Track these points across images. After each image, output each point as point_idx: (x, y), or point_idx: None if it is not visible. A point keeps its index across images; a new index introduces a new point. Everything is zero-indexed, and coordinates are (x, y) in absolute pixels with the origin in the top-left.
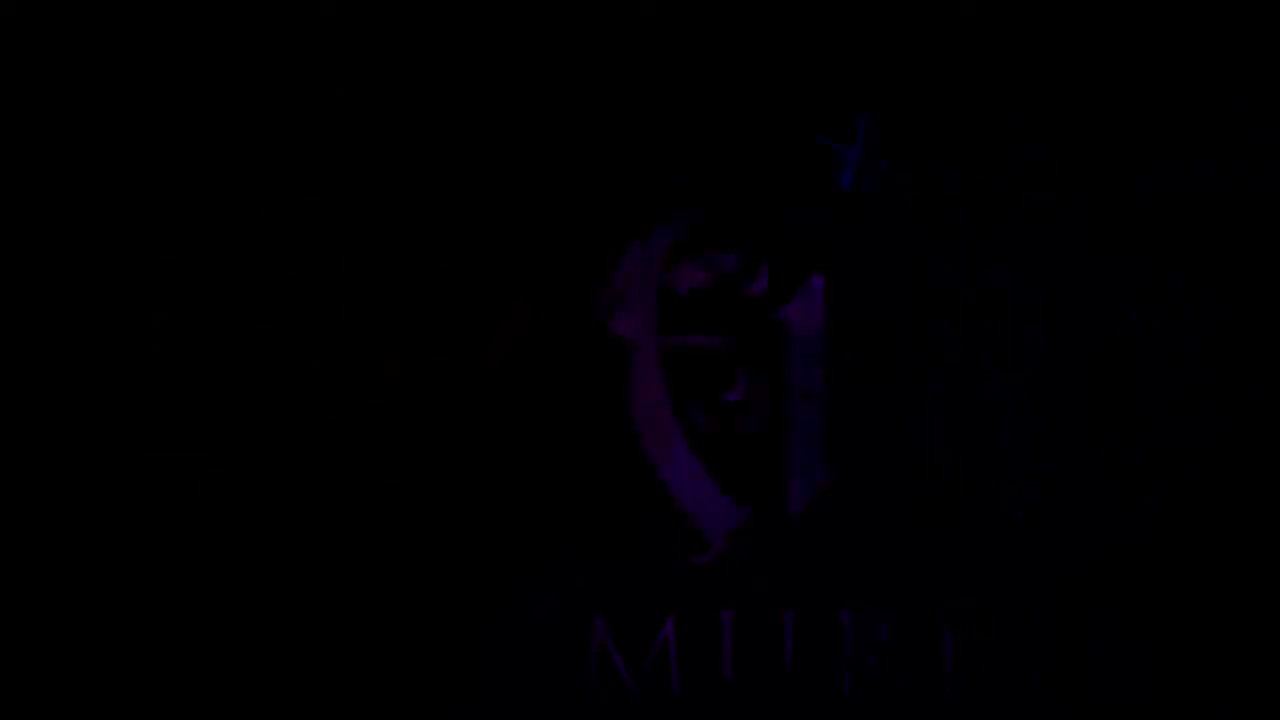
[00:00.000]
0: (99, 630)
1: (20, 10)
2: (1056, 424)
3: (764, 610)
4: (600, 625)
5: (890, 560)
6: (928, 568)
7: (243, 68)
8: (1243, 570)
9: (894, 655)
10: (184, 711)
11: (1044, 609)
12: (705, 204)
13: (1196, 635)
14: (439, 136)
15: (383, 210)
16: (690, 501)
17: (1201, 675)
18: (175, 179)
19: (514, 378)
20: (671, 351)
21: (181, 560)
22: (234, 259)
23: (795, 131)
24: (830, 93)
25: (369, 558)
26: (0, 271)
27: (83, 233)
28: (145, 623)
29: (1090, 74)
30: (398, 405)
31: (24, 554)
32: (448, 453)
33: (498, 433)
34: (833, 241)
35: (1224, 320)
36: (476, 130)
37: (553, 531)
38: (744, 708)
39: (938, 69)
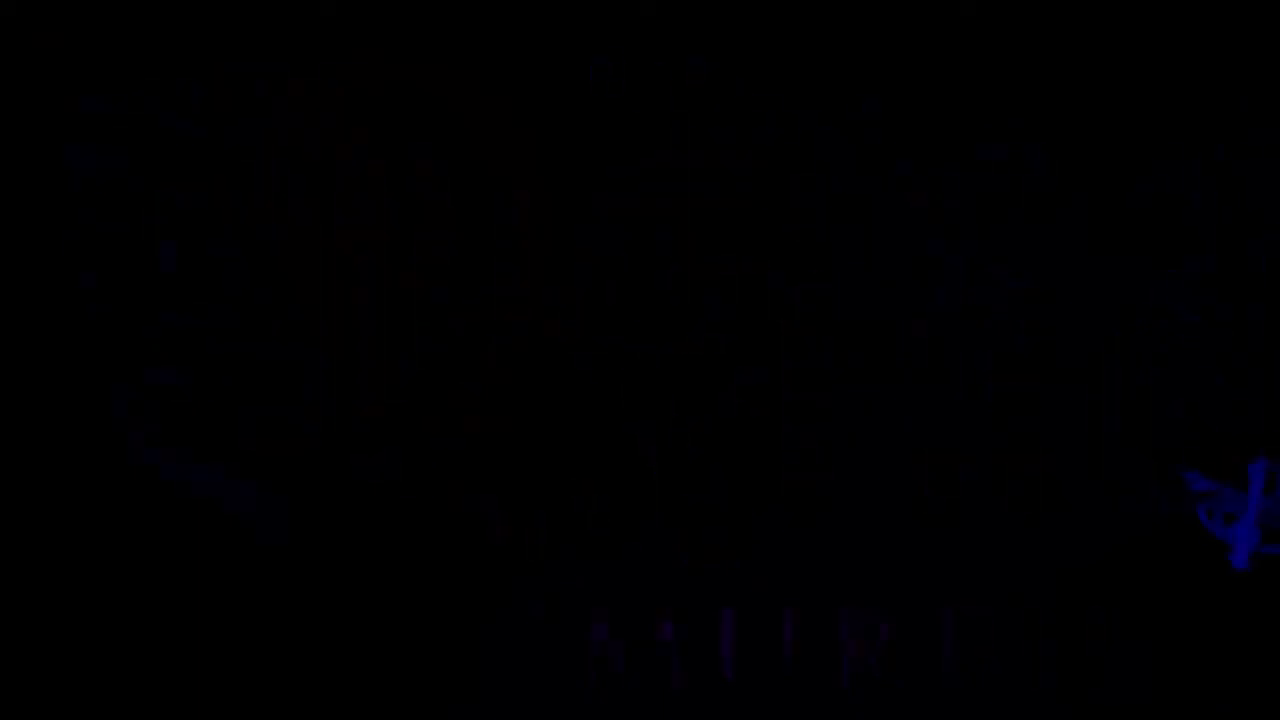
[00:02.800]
0: (100, 631)
1: (20, 10)
2: (1056, 422)
3: (764, 610)
4: (600, 625)
5: (890, 560)
6: (928, 568)
7: (243, 68)
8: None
9: (894, 655)
10: (186, 711)
11: (1044, 609)
12: None
13: (1197, 635)
14: (439, 136)
15: (382, 210)
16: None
17: (1202, 675)
18: (174, 179)
19: (513, 377)
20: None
21: (180, 560)
22: (233, 258)
23: (795, 127)
24: (829, 91)
25: (369, 558)
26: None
27: (82, 232)
28: (145, 623)
29: (1090, 74)
30: (398, 405)
31: (24, 554)
32: (448, 453)
33: (497, 432)
34: (833, 242)
35: (1224, 320)
36: (477, 130)
37: (553, 531)
38: (744, 707)
39: (938, 69)
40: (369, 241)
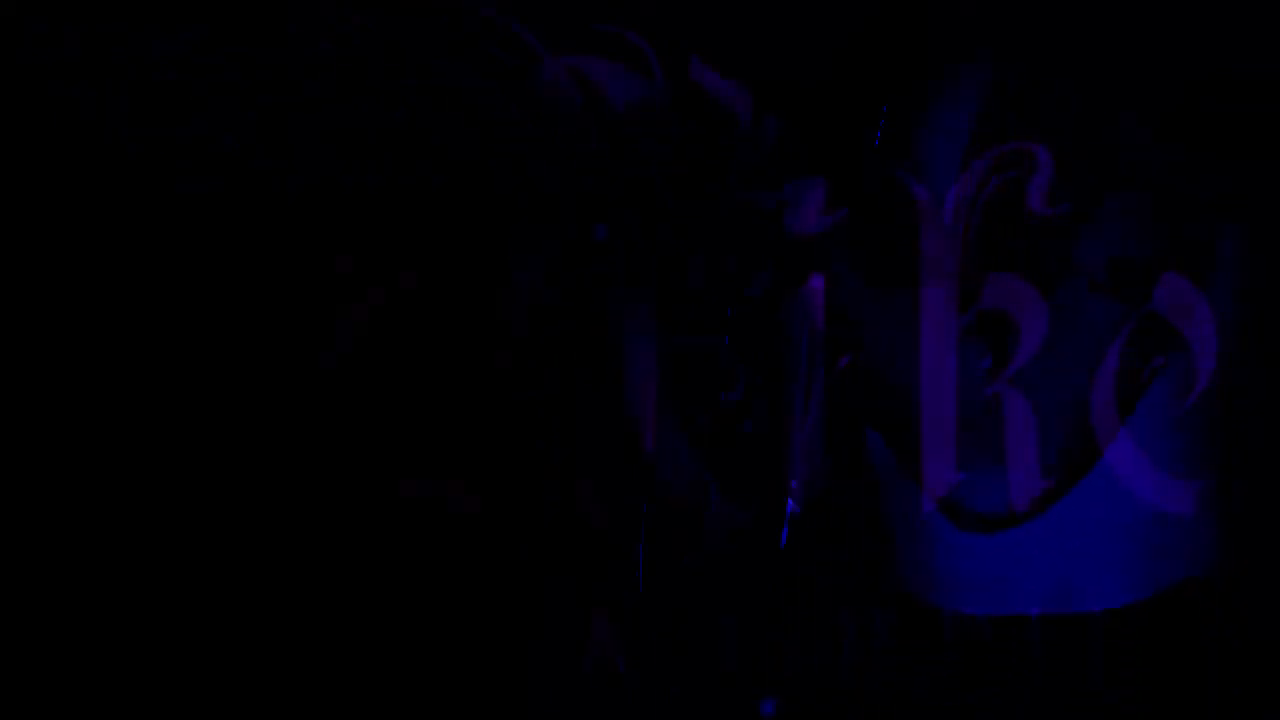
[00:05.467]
0: (102, 634)
1: (20, 9)
2: (1055, 423)
3: (764, 610)
4: (601, 626)
5: (889, 560)
6: (928, 568)
7: (244, 67)
8: (1243, 571)
9: (894, 655)
10: (186, 712)
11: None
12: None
13: (1198, 638)
14: (438, 135)
15: (381, 208)
16: (691, 500)
17: (1203, 677)
18: (174, 177)
19: (514, 375)
20: (671, 350)
21: (181, 560)
22: (232, 256)
23: (801, 128)
24: (829, 87)
25: (370, 559)
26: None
27: (83, 232)
28: (149, 628)
29: (1090, 73)
30: (399, 404)
31: (24, 554)
32: (452, 454)
33: (498, 432)
34: (832, 241)
35: (1224, 320)
36: (476, 131)
37: (552, 532)
38: (744, 708)
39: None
40: (369, 239)
